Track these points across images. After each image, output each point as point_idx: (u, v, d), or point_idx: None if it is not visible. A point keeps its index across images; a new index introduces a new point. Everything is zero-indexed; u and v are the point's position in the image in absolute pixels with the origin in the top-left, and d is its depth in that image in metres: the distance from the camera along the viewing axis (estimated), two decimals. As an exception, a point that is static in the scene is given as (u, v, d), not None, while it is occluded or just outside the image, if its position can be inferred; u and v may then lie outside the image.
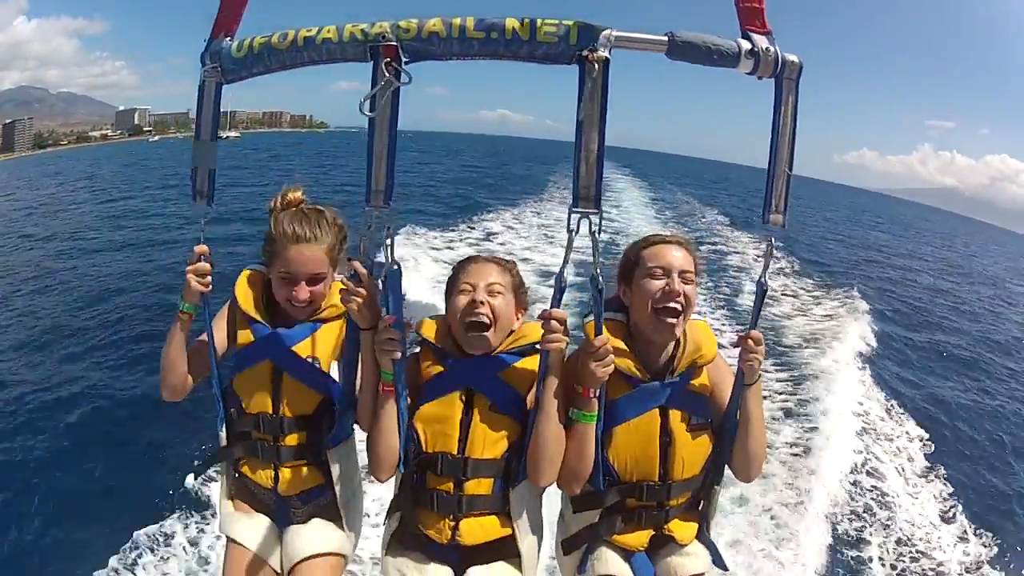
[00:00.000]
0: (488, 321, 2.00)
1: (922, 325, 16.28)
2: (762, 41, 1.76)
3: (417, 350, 2.14)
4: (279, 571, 2.22)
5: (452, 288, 2.09)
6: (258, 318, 2.18)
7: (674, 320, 1.99)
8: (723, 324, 12.78)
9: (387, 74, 1.68)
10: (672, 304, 1.98)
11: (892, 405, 9.48)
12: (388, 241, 1.80)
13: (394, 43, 1.68)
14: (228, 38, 1.84)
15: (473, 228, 19.62)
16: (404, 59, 1.70)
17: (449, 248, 16.33)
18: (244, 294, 2.20)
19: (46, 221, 26.18)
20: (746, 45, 1.75)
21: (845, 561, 6.28)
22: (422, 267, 13.26)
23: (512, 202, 26.14)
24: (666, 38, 1.72)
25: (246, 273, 2.24)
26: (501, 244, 17.79)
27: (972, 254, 44.31)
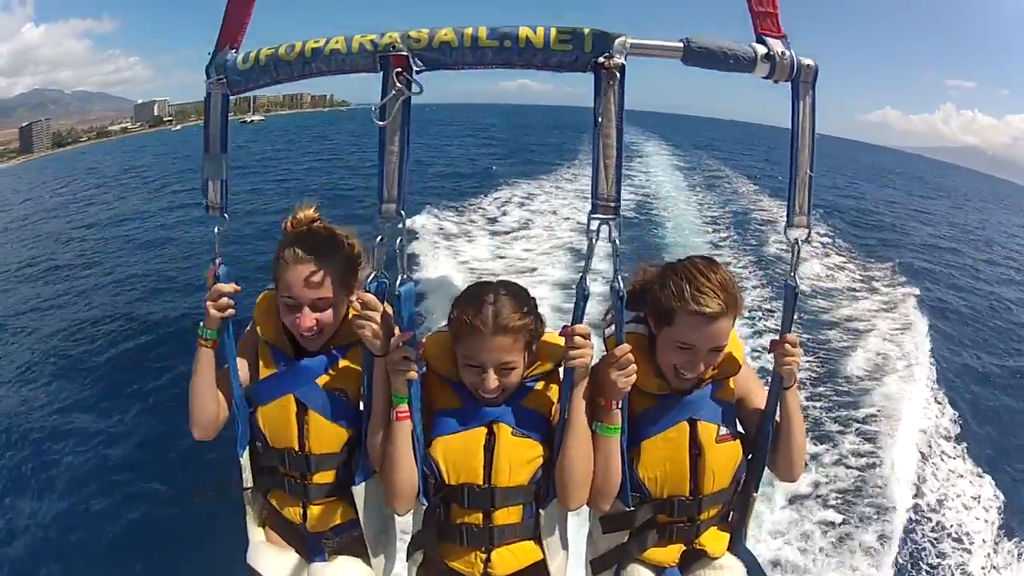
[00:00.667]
0: (498, 395, 1.91)
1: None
2: (777, 45, 1.74)
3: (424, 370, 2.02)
4: None
5: (458, 349, 1.91)
6: (280, 346, 2.07)
7: (687, 381, 1.97)
8: (750, 273, 13.73)
9: (398, 84, 1.64)
10: (692, 377, 1.94)
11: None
12: (400, 252, 1.74)
13: (405, 53, 1.64)
14: (233, 50, 1.81)
15: (507, 202, 20.17)
16: (415, 69, 1.65)
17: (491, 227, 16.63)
18: (263, 320, 2.09)
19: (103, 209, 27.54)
20: (762, 50, 1.73)
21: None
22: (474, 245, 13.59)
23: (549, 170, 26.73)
24: (681, 44, 1.70)
25: (264, 296, 2.12)
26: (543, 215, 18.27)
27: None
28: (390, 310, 1.87)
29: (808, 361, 9.80)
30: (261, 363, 2.08)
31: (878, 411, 8.70)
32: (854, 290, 14.18)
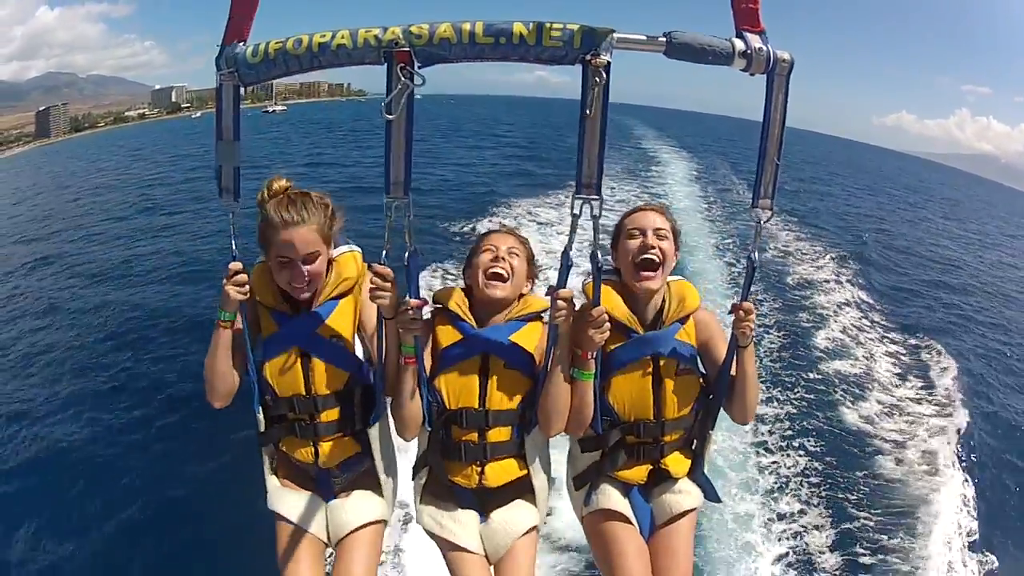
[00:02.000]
0: (507, 275, 2.29)
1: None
2: (755, 41, 1.86)
3: (427, 316, 2.30)
4: (326, 542, 2.35)
5: (475, 250, 2.37)
6: (279, 307, 2.28)
7: (652, 273, 2.29)
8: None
9: (402, 78, 1.78)
10: (648, 256, 2.28)
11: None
12: (408, 227, 1.95)
13: (407, 49, 1.77)
14: (241, 43, 1.90)
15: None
16: (417, 63, 1.79)
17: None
18: (261, 287, 2.26)
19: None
20: (740, 45, 1.85)
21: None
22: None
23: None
24: (664, 39, 1.82)
25: (258, 267, 2.30)
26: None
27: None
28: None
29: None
30: (263, 326, 2.29)
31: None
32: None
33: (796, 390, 10.44)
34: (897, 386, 11.22)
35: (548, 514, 2.54)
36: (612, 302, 2.26)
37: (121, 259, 17.87)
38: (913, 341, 13.19)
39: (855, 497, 8.09)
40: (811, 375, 11.08)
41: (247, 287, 2.14)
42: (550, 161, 33.29)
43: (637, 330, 2.30)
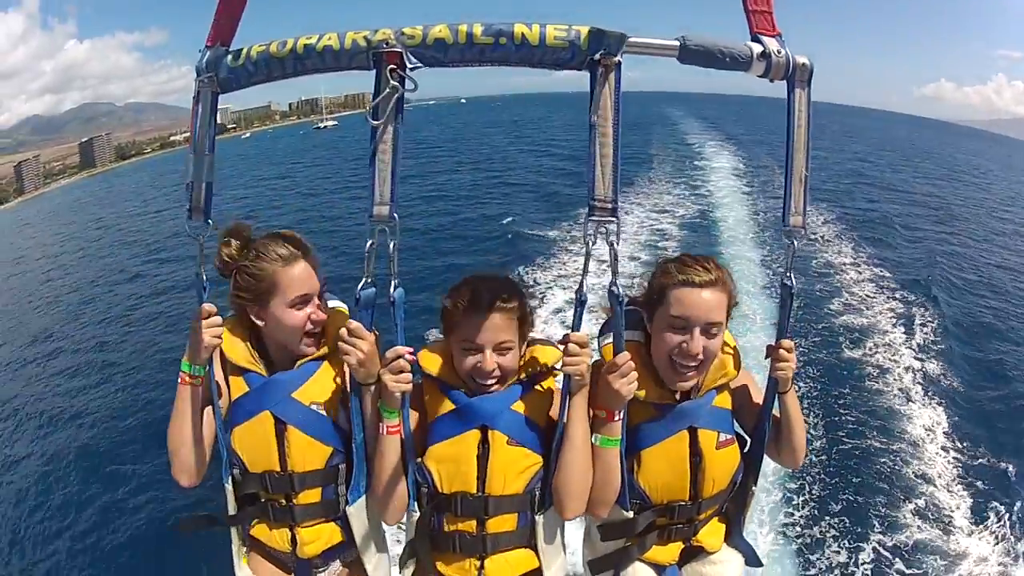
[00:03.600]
0: (495, 380, 1.91)
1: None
2: (772, 44, 1.72)
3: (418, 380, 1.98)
4: None
5: (450, 332, 1.93)
6: (251, 366, 1.97)
7: (690, 375, 1.93)
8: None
9: (392, 81, 1.61)
10: (691, 366, 1.90)
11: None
12: (393, 256, 1.67)
13: (398, 50, 1.60)
14: (224, 47, 1.76)
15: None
16: (409, 65, 1.62)
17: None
18: (230, 344, 1.96)
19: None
20: (757, 48, 1.71)
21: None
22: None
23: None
24: (677, 43, 1.66)
25: (229, 321, 1.99)
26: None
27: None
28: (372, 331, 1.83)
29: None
30: (232, 386, 1.98)
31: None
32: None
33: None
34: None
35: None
36: (638, 371, 1.85)
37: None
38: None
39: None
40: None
41: (222, 329, 1.87)
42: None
43: (669, 401, 1.98)
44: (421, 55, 1.62)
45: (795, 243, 1.86)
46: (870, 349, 11.91)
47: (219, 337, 1.85)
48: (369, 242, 1.68)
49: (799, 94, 1.78)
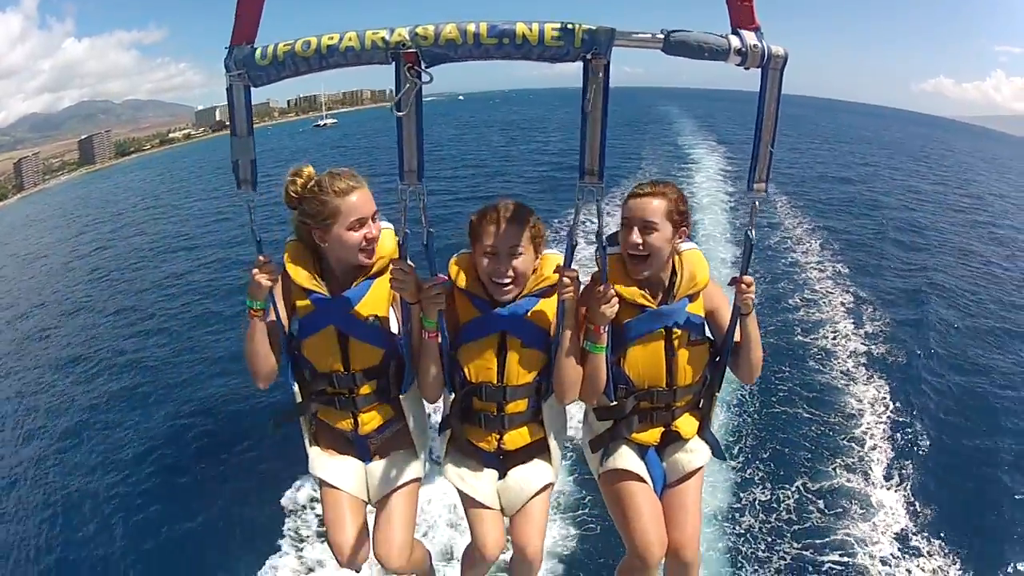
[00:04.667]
0: (511, 281, 2.30)
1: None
2: (750, 37, 1.92)
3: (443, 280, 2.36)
4: (367, 501, 2.54)
5: (475, 242, 2.34)
6: (315, 288, 2.34)
7: (639, 266, 2.37)
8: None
9: (410, 77, 1.84)
10: (632, 253, 2.36)
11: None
12: (423, 210, 2.05)
13: (414, 50, 1.82)
14: (249, 44, 1.94)
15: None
16: (424, 63, 1.85)
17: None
18: (295, 267, 2.34)
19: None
20: (735, 43, 1.91)
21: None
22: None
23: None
24: (662, 36, 1.87)
25: (290, 247, 2.39)
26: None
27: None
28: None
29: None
30: (298, 305, 2.37)
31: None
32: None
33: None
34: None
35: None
36: (623, 279, 2.36)
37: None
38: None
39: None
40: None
41: (275, 274, 2.24)
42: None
43: (650, 304, 2.38)
44: (434, 53, 1.85)
45: (756, 203, 2.21)
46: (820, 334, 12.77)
47: (272, 280, 2.22)
48: (402, 200, 2.03)
49: (771, 80, 2.02)
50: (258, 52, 1.92)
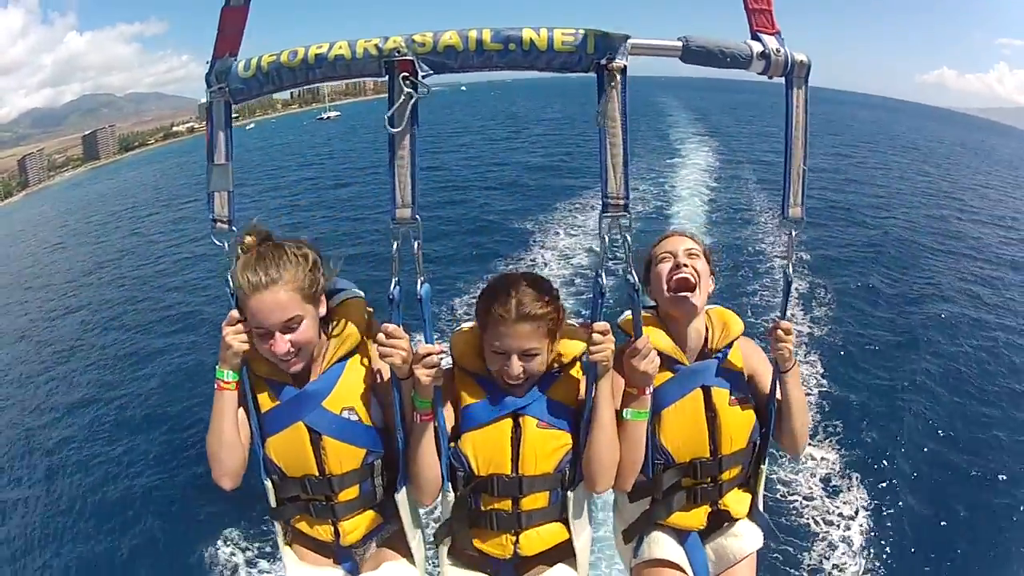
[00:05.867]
0: (522, 380, 1.94)
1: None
2: (772, 42, 1.75)
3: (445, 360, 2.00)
4: None
5: (482, 330, 1.97)
6: (276, 377, 1.96)
7: (688, 293, 2.05)
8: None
9: (405, 88, 1.64)
10: (682, 275, 2.05)
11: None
12: (418, 255, 1.75)
13: (410, 58, 1.62)
14: (233, 57, 1.76)
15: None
16: (421, 72, 1.65)
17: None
18: (253, 354, 1.92)
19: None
20: (757, 48, 1.74)
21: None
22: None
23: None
24: (680, 44, 1.69)
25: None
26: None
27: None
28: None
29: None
30: (259, 397, 1.98)
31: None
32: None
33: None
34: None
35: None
36: (653, 335, 2.02)
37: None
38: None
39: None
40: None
41: (246, 337, 1.88)
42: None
43: (683, 362, 2.10)
44: (432, 62, 1.64)
45: (794, 233, 1.93)
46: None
47: (246, 343, 1.86)
48: (395, 244, 1.74)
49: (797, 92, 1.82)
50: (241, 64, 1.74)
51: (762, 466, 2.22)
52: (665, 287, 2.08)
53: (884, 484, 8.85)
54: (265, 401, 1.97)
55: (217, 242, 1.86)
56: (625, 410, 1.94)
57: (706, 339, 2.15)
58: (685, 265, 2.07)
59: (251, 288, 1.79)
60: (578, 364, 2.03)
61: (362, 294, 2.11)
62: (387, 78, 1.67)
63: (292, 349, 1.85)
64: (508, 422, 1.97)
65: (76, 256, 29.32)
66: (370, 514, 2.09)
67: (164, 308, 18.15)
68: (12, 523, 9.50)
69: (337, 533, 2.07)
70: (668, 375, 2.08)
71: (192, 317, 16.75)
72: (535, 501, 2.00)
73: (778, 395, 2.11)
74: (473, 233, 20.09)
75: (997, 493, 8.78)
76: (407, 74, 1.65)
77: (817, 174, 26.63)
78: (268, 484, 2.04)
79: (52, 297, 23.00)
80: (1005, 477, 9.01)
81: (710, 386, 2.10)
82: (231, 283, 1.85)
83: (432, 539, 2.17)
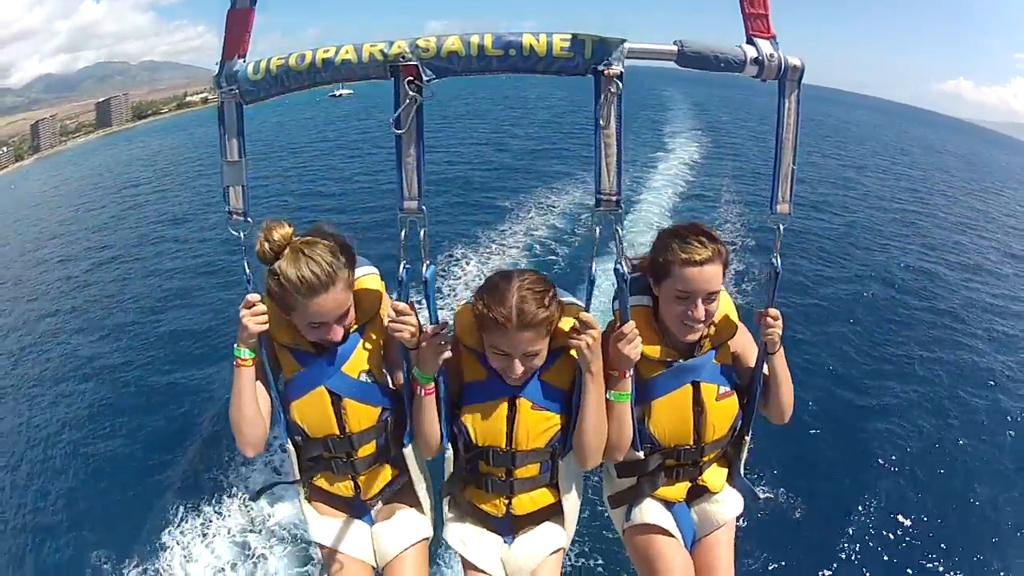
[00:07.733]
0: (523, 376, 2.05)
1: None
2: (766, 47, 1.80)
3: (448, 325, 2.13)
4: (374, 565, 2.31)
5: (484, 335, 2.04)
6: (299, 346, 2.12)
7: (693, 334, 2.15)
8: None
9: (410, 92, 1.71)
10: (697, 324, 2.12)
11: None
12: (424, 242, 1.89)
13: (414, 63, 1.69)
14: (241, 59, 1.83)
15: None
16: (425, 76, 1.71)
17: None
18: (276, 325, 2.09)
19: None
20: (751, 52, 1.79)
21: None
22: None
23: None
24: (675, 48, 1.75)
25: (269, 302, 2.08)
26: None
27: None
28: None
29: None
30: (284, 365, 2.16)
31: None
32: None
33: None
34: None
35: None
36: (645, 334, 2.09)
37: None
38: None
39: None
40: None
41: (266, 316, 2.01)
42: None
43: (675, 358, 2.20)
44: (435, 67, 1.71)
45: (781, 228, 2.01)
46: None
47: (263, 324, 2.00)
48: (403, 231, 1.86)
49: (789, 95, 1.87)
50: (250, 67, 1.80)
51: (746, 437, 2.36)
52: (676, 319, 2.14)
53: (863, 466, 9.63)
54: (288, 368, 2.15)
55: (234, 232, 1.97)
56: (609, 392, 2.06)
57: (700, 337, 2.22)
58: (700, 320, 2.10)
59: (308, 289, 1.93)
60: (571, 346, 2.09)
61: (376, 271, 2.26)
62: (392, 81, 1.73)
63: (344, 332, 2.07)
64: (504, 402, 2.12)
65: (85, 222, 29.70)
66: (386, 467, 2.30)
67: (172, 275, 18.57)
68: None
69: (357, 488, 2.28)
70: (660, 369, 2.20)
71: (200, 292, 17.14)
72: (527, 471, 2.19)
73: (765, 371, 2.23)
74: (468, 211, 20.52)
75: (972, 462, 9.69)
76: (412, 78, 1.71)
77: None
78: (290, 447, 2.22)
79: (64, 255, 23.75)
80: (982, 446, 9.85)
81: (700, 382, 2.21)
82: (247, 270, 1.98)
83: (440, 492, 2.38)
